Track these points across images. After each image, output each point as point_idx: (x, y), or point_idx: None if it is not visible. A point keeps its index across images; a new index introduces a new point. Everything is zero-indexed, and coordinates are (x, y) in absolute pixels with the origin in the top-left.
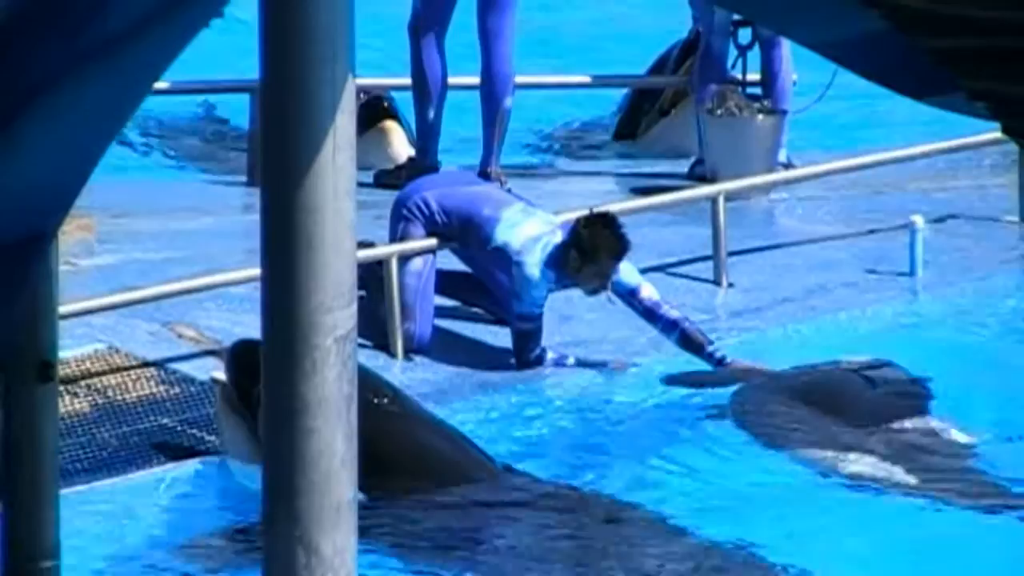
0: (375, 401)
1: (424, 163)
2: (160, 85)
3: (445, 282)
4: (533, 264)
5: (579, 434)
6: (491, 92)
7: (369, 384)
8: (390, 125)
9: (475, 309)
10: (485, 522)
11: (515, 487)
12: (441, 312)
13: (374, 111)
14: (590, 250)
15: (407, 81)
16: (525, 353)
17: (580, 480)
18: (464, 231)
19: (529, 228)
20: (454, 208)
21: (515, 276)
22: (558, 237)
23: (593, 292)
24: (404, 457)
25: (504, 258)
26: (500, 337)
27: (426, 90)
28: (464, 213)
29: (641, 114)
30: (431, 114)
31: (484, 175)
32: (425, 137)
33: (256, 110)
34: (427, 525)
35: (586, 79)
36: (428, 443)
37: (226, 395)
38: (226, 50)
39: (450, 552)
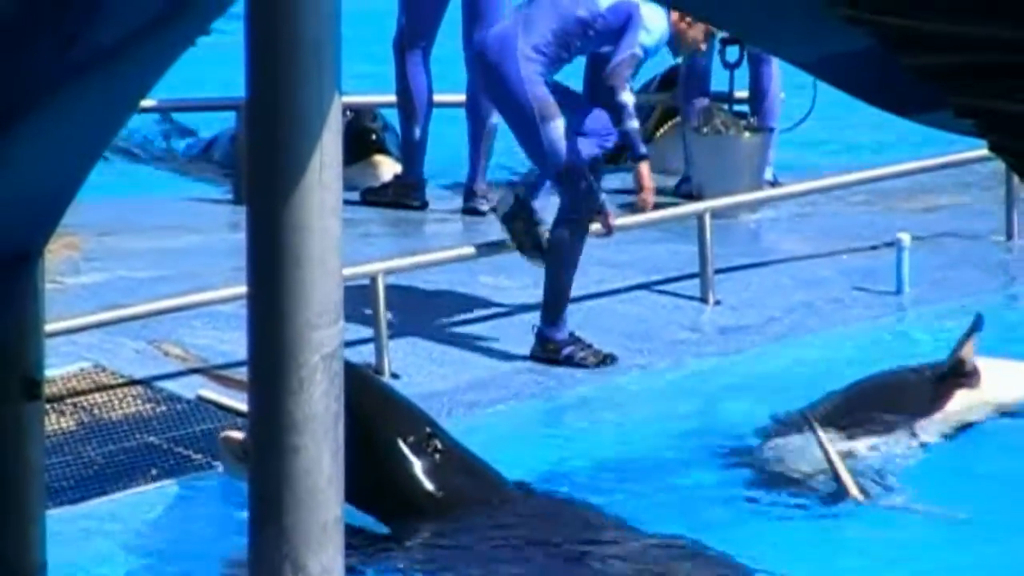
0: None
1: (409, 179)
2: (147, 103)
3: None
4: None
5: (572, 451)
6: (477, 109)
7: (406, 417)
8: (379, 159)
9: (463, 328)
10: (499, 545)
11: (529, 509)
12: (427, 330)
13: (363, 144)
14: None
15: (392, 98)
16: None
17: (582, 499)
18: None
19: None
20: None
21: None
22: None
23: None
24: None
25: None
26: (487, 356)
27: (411, 107)
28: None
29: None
30: (417, 131)
31: (470, 193)
32: (411, 153)
33: (242, 128)
34: (442, 549)
35: None
36: (451, 468)
37: (232, 449)
38: (214, 67)
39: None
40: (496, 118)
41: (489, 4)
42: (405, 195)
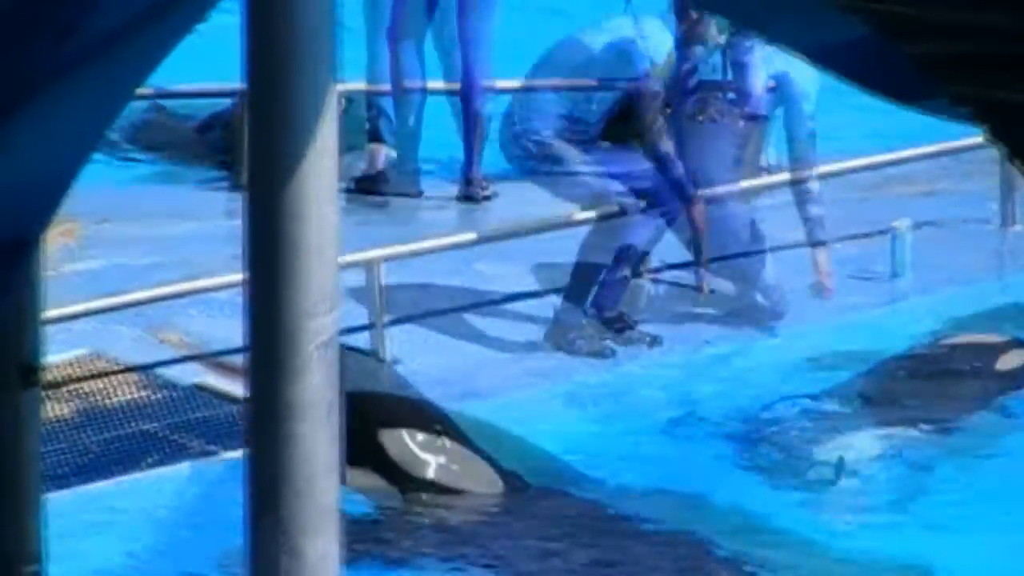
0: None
1: (404, 168)
2: (144, 90)
3: None
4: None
5: (569, 438)
6: (470, 98)
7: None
8: (374, 148)
9: (460, 315)
10: (498, 533)
11: (527, 497)
12: (424, 318)
13: (359, 132)
14: None
15: (387, 86)
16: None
17: (580, 486)
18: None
19: None
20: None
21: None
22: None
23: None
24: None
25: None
26: (486, 346)
27: (405, 96)
28: None
29: (627, 120)
30: (411, 120)
31: (467, 182)
32: (405, 143)
33: (239, 115)
34: (442, 535)
35: (561, 83)
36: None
37: None
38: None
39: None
40: (490, 106)
41: None
42: (401, 183)
